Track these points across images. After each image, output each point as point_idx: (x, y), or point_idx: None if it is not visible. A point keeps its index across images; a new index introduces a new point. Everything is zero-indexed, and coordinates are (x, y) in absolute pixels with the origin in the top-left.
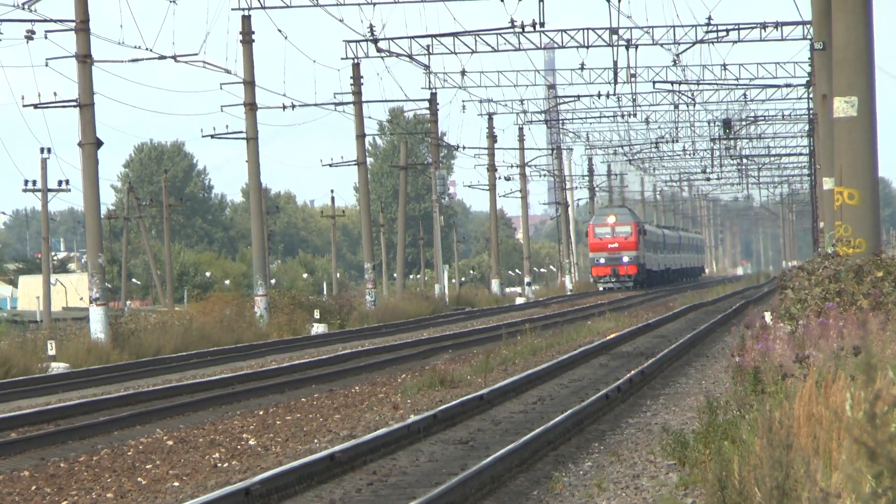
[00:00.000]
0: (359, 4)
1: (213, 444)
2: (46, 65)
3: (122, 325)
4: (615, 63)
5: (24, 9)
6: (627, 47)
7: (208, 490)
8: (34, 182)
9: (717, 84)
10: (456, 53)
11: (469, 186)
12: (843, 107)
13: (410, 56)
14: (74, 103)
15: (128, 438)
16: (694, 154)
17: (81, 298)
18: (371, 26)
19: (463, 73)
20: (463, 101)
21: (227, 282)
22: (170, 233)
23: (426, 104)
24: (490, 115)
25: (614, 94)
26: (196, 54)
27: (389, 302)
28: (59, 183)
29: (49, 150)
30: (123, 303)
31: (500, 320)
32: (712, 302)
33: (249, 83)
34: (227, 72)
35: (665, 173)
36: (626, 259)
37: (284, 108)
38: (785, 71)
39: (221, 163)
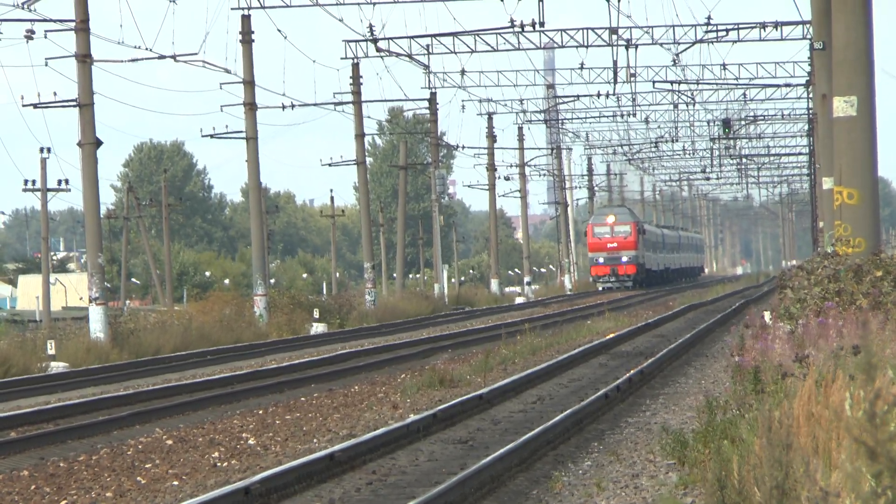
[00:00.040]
0: (358, 4)
1: (213, 443)
2: (46, 64)
3: (122, 325)
4: (615, 63)
5: (23, 8)
6: (627, 47)
7: (208, 489)
8: (34, 182)
9: (716, 84)
10: (455, 53)
11: (469, 186)
12: (843, 106)
13: (410, 56)
14: (74, 103)
15: (127, 438)
16: (693, 154)
17: (81, 298)
18: (371, 26)
19: (462, 72)
20: (462, 101)
21: (227, 281)
22: (169, 232)
23: (426, 104)
24: (489, 115)
25: (614, 94)
26: (196, 54)
27: (389, 301)
28: (59, 183)
29: (49, 150)
30: (123, 302)
31: (500, 320)
32: (712, 301)
33: (249, 83)
34: (227, 71)
35: (664, 173)
36: (625, 259)
37: (284, 107)
38: (784, 71)
39: (221, 162)
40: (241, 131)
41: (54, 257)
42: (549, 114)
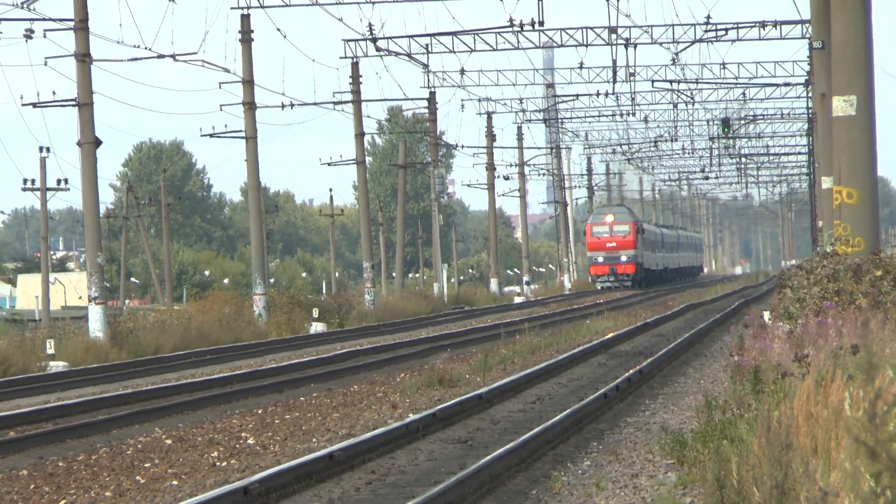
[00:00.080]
0: (358, 3)
1: (212, 442)
2: (45, 64)
3: (121, 324)
4: (614, 62)
5: (23, 7)
6: (626, 46)
7: (207, 489)
8: (33, 181)
9: (715, 83)
10: (455, 52)
11: (468, 185)
12: (842, 106)
13: (409, 55)
14: (73, 102)
15: (126, 437)
16: (693, 153)
17: (80, 297)
18: (370, 25)
19: (462, 72)
20: (462, 100)
21: (226, 281)
22: (168, 232)
23: (425, 103)
24: (489, 114)
25: (613, 93)
26: (195, 53)
27: (388, 301)
28: (58, 182)
29: (48, 150)
30: (122, 302)
31: (499, 319)
32: (711, 301)
33: (248, 82)
34: (227, 71)
35: (664, 172)
36: (624, 258)
37: (283, 107)
38: (784, 70)
39: (220, 162)
40: (240, 131)
41: (54, 257)
42: (549, 113)
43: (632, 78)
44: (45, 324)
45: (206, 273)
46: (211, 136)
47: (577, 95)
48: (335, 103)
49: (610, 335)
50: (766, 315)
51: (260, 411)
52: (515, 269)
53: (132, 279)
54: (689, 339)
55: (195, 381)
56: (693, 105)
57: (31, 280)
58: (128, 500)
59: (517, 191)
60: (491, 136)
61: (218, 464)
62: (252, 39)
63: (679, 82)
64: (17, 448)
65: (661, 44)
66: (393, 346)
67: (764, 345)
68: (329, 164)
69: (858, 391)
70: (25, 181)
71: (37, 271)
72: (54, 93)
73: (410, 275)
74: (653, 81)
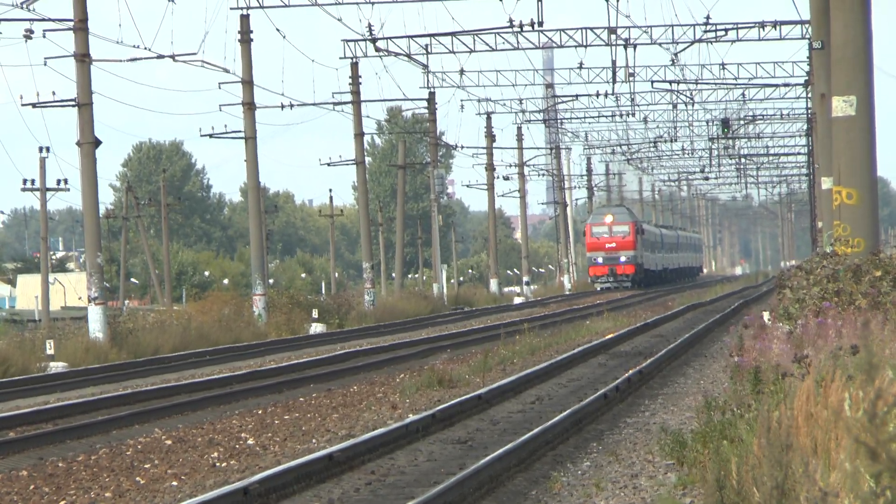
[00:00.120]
0: (357, 4)
1: (212, 443)
2: (45, 64)
3: (121, 325)
4: (613, 62)
5: (22, 8)
6: (626, 47)
7: (207, 489)
8: (33, 181)
9: (715, 83)
10: (454, 53)
11: (467, 186)
12: (842, 106)
13: (409, 55)
14: (73, 103)
15: (126, 438)
16: (692, 153)
17: (80, 298)
18: (369, 25)
19: (461, 72)
20: (461, 101)
21: (226, 281)
22: (168, 232)
23: (424, 103)
24: (488, 115)
25: (613, 94)
26: (195, 54)
27: (388, 301)
28: (58, 182)
29: (48, 150)
30: (122, 302)
31: (499, 320)
32: (710, 302)
33: (248, 82)
34: (226, 71)
35: (663, 173)
36: (623, 259)
37: (283, 107)
38: (783, 70)
39: (220, 162)
40: (239, 131)
41: (53, 257)
42: (548, 113)
43: (631, 78)
44: (45, 324)
45: (206, 273)
46: (210, 136)
47: (577, 96)
48: (335, 104)
49: (610, 336)
50: (766, 315)
51: (260, 412)
52: (515, 270)
53: (132, 279)
54: (688, 339)
55: (195, 382)
56: (692, 105)
57: (31, 280)
58: (127, 501)
59: (517, 191)
60: (490, 137)
61: (218, 464)
62: (251, 40)
63: (679, 83)
64: (16, 449)
65: (660, 44)
66: (392, 346)
67: (764, 345)
68: (329, 165)
69: (858, 392)
70: (25, 181)
71: (36, 271)
72: (54, 93)
73: (410, 275)
74: (652, 82)
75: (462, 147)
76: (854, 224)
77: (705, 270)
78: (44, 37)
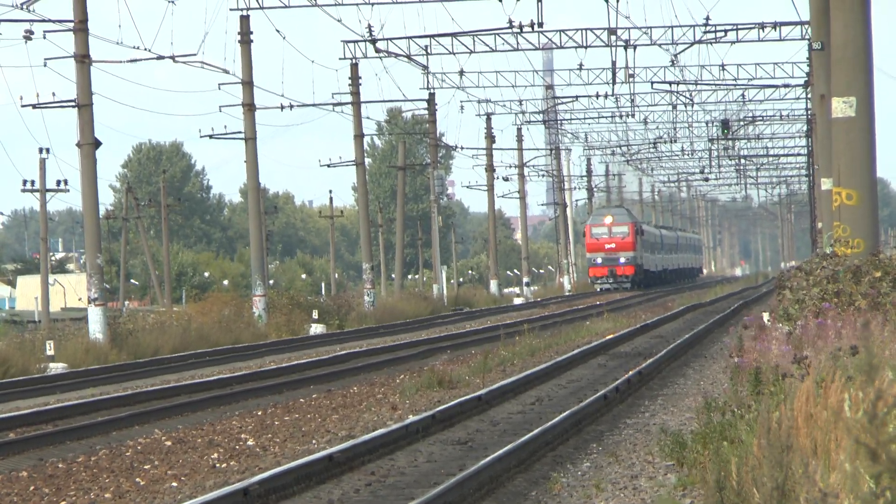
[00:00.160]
0: (357, 4)
1: (212, 444)
2: (45, 65)
3: (121, 326)
4: (613, 63)
5: (22, 9)
6: (626, 47)
7: (206, 490)
8: (33, 182)
9: (715, 84)
10: (454, 54)
11: (467, 187)
12: (842, 107)
13: (409, 56)
14: (73, 103)
15: (126, 439)
16: (692, 154)
17: (80, 299)
18: (369, 26)
19: (461, 73)
20: (461, 102)
21: (226, 282)
22: (168, 233)
23: (424, 104)
24: (488, 116)
25: (612, 95)
26: (194, 54)
27: (388, 302)
28: (58, 183)
29: (47, 151)
30: (122, 303)
31: (499, 321)
32: (710, 303)
33: (248, 83)
34: (226, 72)
35: (663, 173)
36: (623, 259)
37: (283, 108)
38: (783, 71)
39: (220, 163)
40: (239, 132)
41: (53, 258)
42: (548, 114)
43: (631, 79)
44: (45, 325)
45: (206, 274)
46: (210, 137)
47: (577, 97)
48: (334, 104)
49: (609, 336)
50: (766, 316)
51: (260, 413)
52: (515, 271)
53: (132, 280)
54: (688, 340)
55: (195, 383)
56: (692, 106)
57: (31, 281)
58: (127, 502)
59: (517, 192)
60: (490, 138)
61: (218, 465)
62: (251, 41)
63: (678, 84)
64: (16, 449)
65: (660, 45)
66: (392, 347)
67: (763, 346)
68: (328, 166)
69: (858, 392)
70: (25, 182)
71: (36, 272)
72: (54, 94)
73: (410, 276)
74: (652, 83)
75: (462, 148)
76: (854, 225)
77: (705, 271)
78: (44, 38)
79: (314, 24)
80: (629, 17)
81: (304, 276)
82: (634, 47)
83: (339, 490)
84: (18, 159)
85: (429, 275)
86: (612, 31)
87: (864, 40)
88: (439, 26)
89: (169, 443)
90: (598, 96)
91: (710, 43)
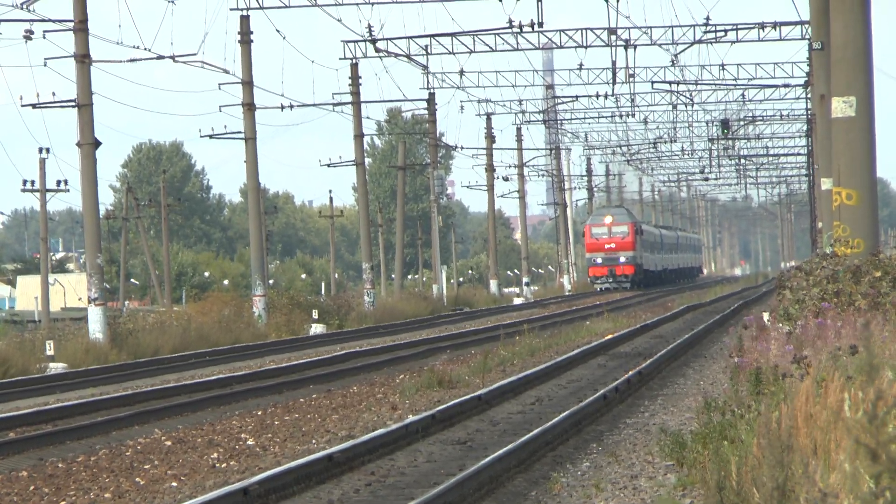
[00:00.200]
0: (357, 4)
1: (212, 444)
2: (45, 65)
3: (121, 326)
4: (613, 63)
5: (22, 8)
6: (626, 47)
7: (206, 490)
8: (33, 182)
9: (715, 84)
10: (454, 53)
11: (467, 187)
12: (842, 107)
13: (409, 56)
14: (73, 103)
15: (126, 438)
16: (692, 154)
17: (80, 298)
18: (369, 26)
19: (461, 73)
20: (461, 102)
21: (226, 282)
22: (168, 233)
23: (424, 104)
24: (488, 116)
25: (612, 95)
26: (194, 54)
27: (388, 302)
28: (58, 183)
29: (47, 150)
30: (122, 303)
31: (499, 321)
32: (710, 302)
33: (248, 83)
34: (226, 72)
35: (663, 173)
36: (622, 259)
37: (283, 108)
38: (783, 71)
39: (220, 163)
40: (239, 132)
41: (53, 258)
42: (548, 114)
43: (631, 79)
44: (45, 325)
45: (206, 274)
46: (210, 137)
47: (577, 97)
48: (334, 104)
49: (609, 336)
50: (766, 316)
51: (260, 412)
52: (515, 271)
53: (132, 280)
54: (688, 340)
55: (195, 383)
56: (692, 106)
57: (31, 281)
58: (127, 502)
59: (517, 192)
60: (490, 138)
61: (217, 465)
62: (251, 41)
63: (678, 83)
64: (16, 449)
65: (660, 45)
66: (392, 347)
67: (763, 346)
68: (328, 166)
69: (858, 392)
70: (25, 182)
71: (36, 272)
72: (54, 94)
73: (410, 276)
74: (652, 83)
75: (462, 148)
76: (854, 225)
77: (705, 271)
78: (44, 37)
79: (314, 24)
80: (629, 17)
81: (303, 276)
82: (634, 47)
83: (338, 490)
84: (18, 159)
85: (429, 275)
86: (612, 31)
87: (864, 40)
88: (439, 26)
89: (169, 443)
90: (598, 96)
91: (710, 43)
